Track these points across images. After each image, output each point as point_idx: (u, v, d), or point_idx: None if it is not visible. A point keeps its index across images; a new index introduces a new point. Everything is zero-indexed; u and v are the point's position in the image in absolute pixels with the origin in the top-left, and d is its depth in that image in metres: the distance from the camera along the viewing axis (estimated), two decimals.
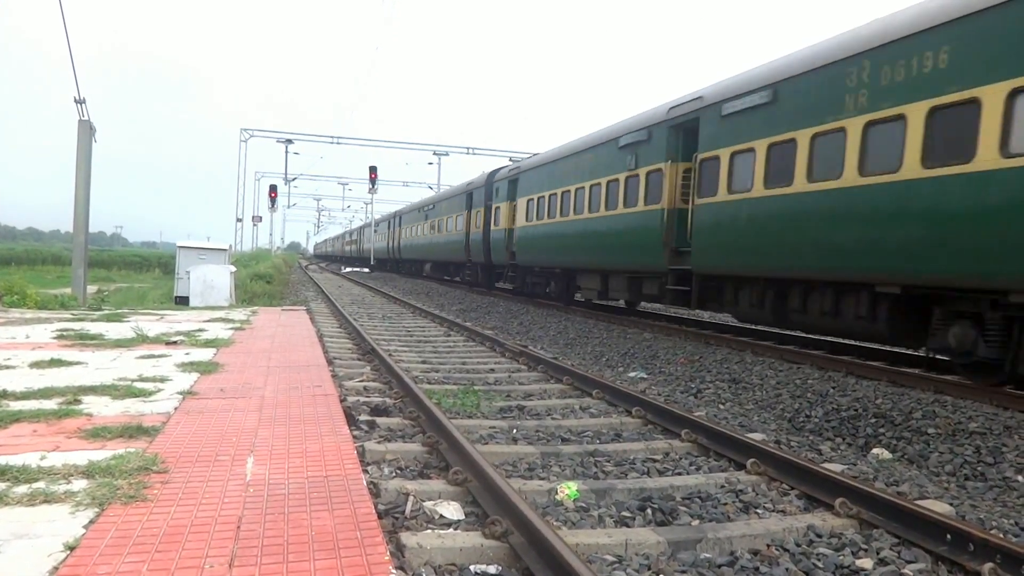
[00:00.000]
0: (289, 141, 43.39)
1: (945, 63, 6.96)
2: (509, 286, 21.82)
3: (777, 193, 9.16)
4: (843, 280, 8.42)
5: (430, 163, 48.23)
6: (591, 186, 14.61)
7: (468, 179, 26.82)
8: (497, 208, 21.54)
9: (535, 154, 20.54)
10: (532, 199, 18.42)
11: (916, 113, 7.20)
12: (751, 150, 9.67)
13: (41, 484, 3.36)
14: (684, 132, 11.54)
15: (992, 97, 6.44)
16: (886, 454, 5.85)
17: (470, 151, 45.97)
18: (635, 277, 13.47)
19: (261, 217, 49.53)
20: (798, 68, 9.02)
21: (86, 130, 14.32)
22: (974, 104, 6.60)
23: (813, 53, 8.94)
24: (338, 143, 43.93)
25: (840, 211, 8.16)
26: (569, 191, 15.79)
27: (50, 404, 4.95)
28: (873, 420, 6.62)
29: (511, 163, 22.92)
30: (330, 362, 7.98)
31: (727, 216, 10.15)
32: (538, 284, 19.25)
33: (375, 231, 49.62)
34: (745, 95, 9.92)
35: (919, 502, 4.07)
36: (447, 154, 46.66)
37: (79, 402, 5.06)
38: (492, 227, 21.90)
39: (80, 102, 13.98)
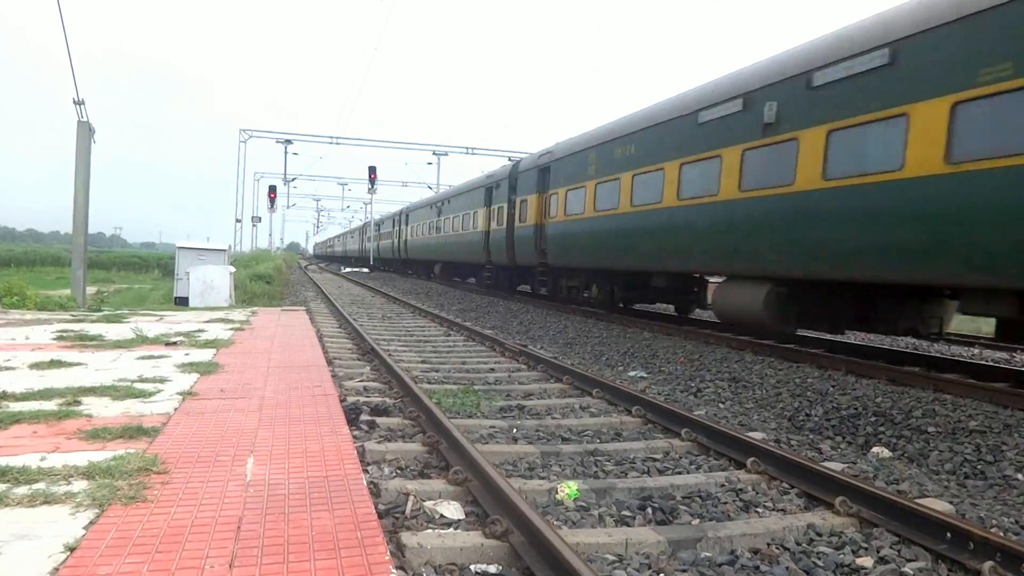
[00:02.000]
0: (288, 142, 43.36)
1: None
2: None
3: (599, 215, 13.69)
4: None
5: (429, 163, 48.22)
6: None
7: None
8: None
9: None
10: None
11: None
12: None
13: (41, 485, 3.36)
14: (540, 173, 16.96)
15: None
16: (886, 453, 5.85)
17: (469, 151, 45.95)
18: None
19: (260, 218, 49.51)
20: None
21: (85, 131, 14.30)
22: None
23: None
24: (337, 143, 43.92)
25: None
26: None
27: (50, 405, 4.94)
28: (873, 419, 6.62)
29: None
30: (330, 362, 7.98)
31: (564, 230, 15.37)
32: None
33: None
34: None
35: (919, 500, 4.07)
36: (446, 154, 46.65)
37: (79, 403, 5.05)
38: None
39: (79, 103, 13.96)
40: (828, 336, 10.87)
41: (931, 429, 6.17)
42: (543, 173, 16.93)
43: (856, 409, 6.88)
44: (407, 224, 36.47)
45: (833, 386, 7.68)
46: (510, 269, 20.38)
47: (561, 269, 16.34)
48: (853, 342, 11.41)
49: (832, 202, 8.00)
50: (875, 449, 5.96)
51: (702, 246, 10.44)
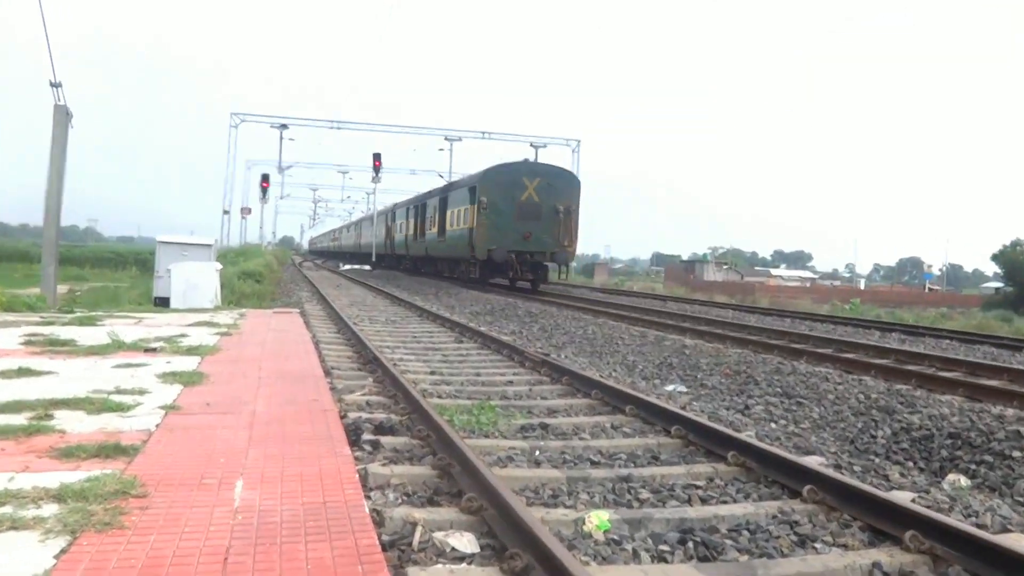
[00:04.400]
0: (284, 126, 43.65)
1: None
2: None
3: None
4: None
5: (441, 149, 48.23)
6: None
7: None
8: None
9: None
10: None
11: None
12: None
13: (8, 509, 3.40)
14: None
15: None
16: (964, 480, 5.77)
17: (485, 135, 45.94)
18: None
19: (250, 209, 50.10)
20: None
21: (62, 116, 14.47)
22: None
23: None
24: (339, 128, 44.18)
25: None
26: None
27: (19, 419, 5.01)
28: (948, 441, 6.53)
29: None
30: (328, 372, 8.03)
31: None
32: None
33: None
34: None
35: (1002, 536, 4.00)
36: (460, 139, 46.60)
37: (51, 417, 5.12)
38: None
39: (56, 86, 14.14)
40: (895, 345, 10.82)
41: (1016, 454, 6.08)
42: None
43: (928, 430, 6.79)
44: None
45: (901, 403, 7.59)
46: None
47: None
48: (922, 351, 11.26)
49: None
50: (951, 476, 5.88)
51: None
